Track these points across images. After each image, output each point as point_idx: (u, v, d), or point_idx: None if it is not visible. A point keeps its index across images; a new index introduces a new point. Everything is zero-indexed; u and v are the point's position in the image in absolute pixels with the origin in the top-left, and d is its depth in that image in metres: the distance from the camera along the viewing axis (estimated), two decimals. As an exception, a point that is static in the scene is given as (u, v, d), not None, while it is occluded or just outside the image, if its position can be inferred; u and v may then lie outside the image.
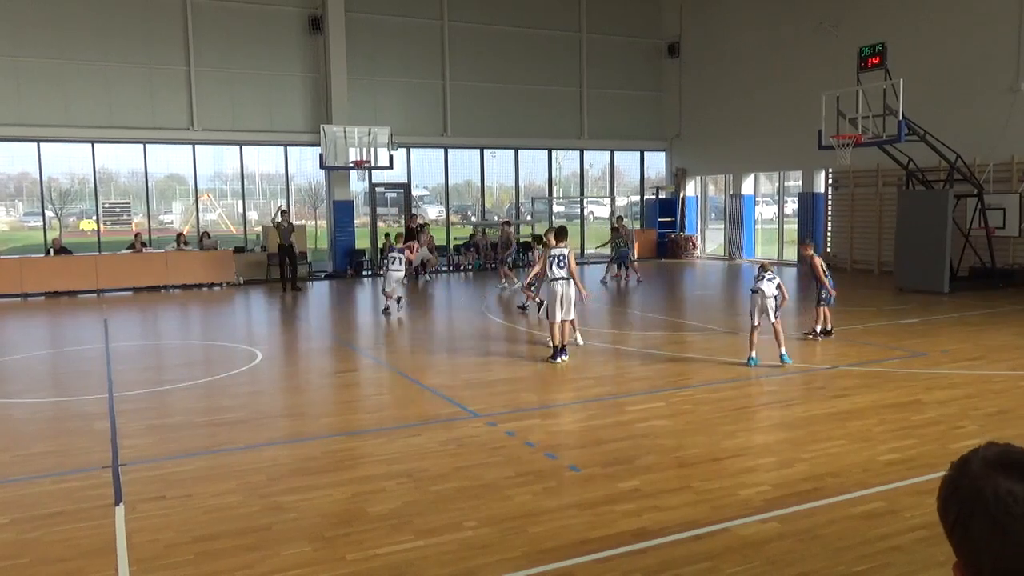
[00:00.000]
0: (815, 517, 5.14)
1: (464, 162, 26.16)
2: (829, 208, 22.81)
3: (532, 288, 14.97)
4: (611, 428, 7.39)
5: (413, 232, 22.87)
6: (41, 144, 20.71)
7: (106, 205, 23.58)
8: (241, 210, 24.35)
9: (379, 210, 25.31)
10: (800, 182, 24.08)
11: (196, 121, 21.76)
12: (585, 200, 29.26)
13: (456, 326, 14.86)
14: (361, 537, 4.94)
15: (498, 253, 24.06)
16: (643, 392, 8.78)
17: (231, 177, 25.81)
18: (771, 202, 27.79)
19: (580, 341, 11.30)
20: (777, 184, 26.05)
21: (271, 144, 23.22)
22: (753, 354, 9.87)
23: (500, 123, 25.32)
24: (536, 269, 11.12)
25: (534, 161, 27.35)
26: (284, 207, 21.54)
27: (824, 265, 11.51)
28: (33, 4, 20.01)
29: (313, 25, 22.66)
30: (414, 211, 24.70)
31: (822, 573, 4.41)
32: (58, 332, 14.85)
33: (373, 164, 22.56)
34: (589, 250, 28.00)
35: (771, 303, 9.80)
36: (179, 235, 21.62)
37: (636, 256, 20.96)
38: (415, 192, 26.15)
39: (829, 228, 22.76)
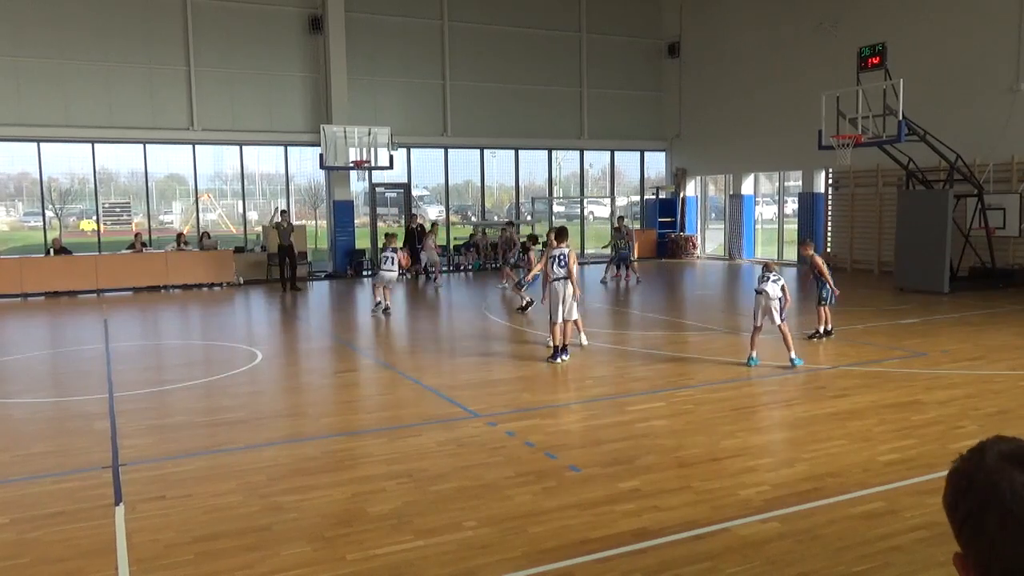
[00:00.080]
0: (815, 517, 5.14)
1: (464, 162, 26.17)
2: (829, 208, 22.81)
3: (524, 288, 15.03)
4: (611, 428, 7.39)
5: (413, 232, 22.89)
6: (41, 144, 20.71)
7: (106, 205, 23.58)
8: (241, 210, 24.35)
9: (379, 210, 25.31)
10: (800, 182, 24.08)
11: (196, 121, 21.77)
12: (585, 200, 29.27)
13: (456, 326, 14.87)
14: (361, 537, 4.94)
15: (499, 253, 24.09)
16: (643, 392, 8.78)
17: (231, 177, 25.82)
18: (771, 202, 27.79)
19: (584, 341, 11.30)
20: (777, 184, 26.05)
21: (271, 144, 23.22)
22: (753, 354, 9.87)
23: (500, 123, 25.32)
24: (537, 269, 11.11)
25: (534, 161, 27.36)
26: (283, 207, 21.54)
27: (824, 264, 11.51)
28: (33, 4, 20.01)
29: (313, 25, 22.66)
30: (414, 211, 24.70)
31: (822, 573, 4.41)
32: (58, 332, 14.85)
33: (373, 164, 22.55)
34: (589, 250, 28.03)
35: (775, 305, 9.68)
36: (179, 235, 21.62)
37: (636, 256, 20.97)
38: (415, 192, 26.16)
39: (829, 228, 22.77)
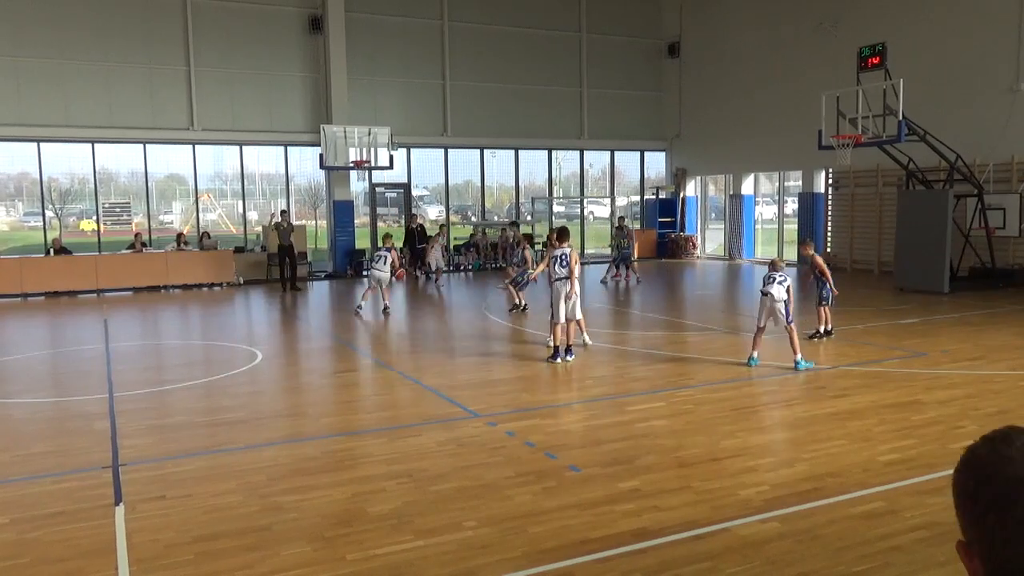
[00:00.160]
0: (815, 517, 5.14)
1: (464, 162, 26.17)
2: (829, 208, 22.81)
3: (521, 288, 15.04)
4: (611, 428, 7.39)
5: (413, 232, 22.90)
6: (41, 144, 20.71)
7: (106, 205, 23.57)
8: (241, 210, 24.35)
9: (379, 210, 25.32)
10: (800, 182, 24.08)
11: (196, 121, 21.77)
12: (585, 200, 29.26)
13: (456, 326, 14.86)
14: (361, 537, 4.94)
15: (499, 253, 24.10)
16: (643, 392, 8.78)
17: (231, 177, 25.81)
18: (771, 202, 27.79)
19: (588, 342, 11.29)
20: (777, 184, 26.05)
21: (271, 144, 23.22)
22: (755, 354, 9.84)
23: (500, 123, 25.32)
24: (540, 269, 11.07)
25: (534, 161, 27.36)
26: (283, 207, 21.52)
27: (824, 264, 11.50)
28: (33, 4, 20.01)
29: (313, 25, 22.66)
30: (414, 211, 24.70)
31: (822, 573, 4.41)
32: (58, 332, 14.84)
33: (373, 164, 22.55)
34: (589, 250, 28.02)
35: (780, 307, 9.59)
36: (179, 235, 21.62)
37: (636, 256, 20.98)
38: (415, 192, 26.16)
39: (829, 228, 22.77)
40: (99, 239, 22.13)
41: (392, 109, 23.85)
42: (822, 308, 11.40)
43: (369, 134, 22.33)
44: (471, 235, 25.73)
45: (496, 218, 28.54)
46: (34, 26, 20.05)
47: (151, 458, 6.64)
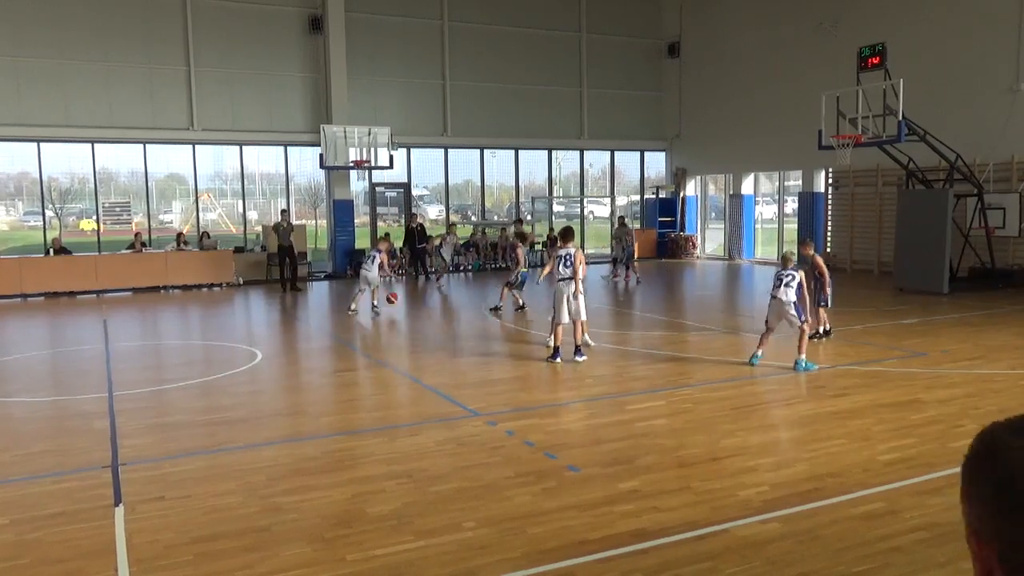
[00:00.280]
0: (815, 517, 5.14)
1: (464, 162, 26.16)
2: (829, 208, 22.80)
3: (515, 288, 15.05)
4: (611, 428, 7.39)
5: (413, 232, 22.89)
6: (41, 144, 20.70)
7: (106, 205, 23.57)
8: (241, 210, 24.35)
9: (379, 210, 25.31)
10: (800, 182, 24.08)
11: (196, 121, 21.76)
12: (585, 200, 29.26)
13: (456, 326, 14.86)
14: (361, 538, 4.94)
15: (497, 253, 24.10)
16: (643, 392, 8.78)
17: (231, 177, 25.81)
18: (771, 202, 27.78)
19: (589, 343, 11.27)
20: (777, 184, 26.04)
21: (271, 144, 23.22)
22: (759, 352, 9.77)
23: (500, 123, 25.32)
24: (547, 270, 11.01)
25: (534, 161, 27.36)
26: (283, 207, 21.50)
27: (824, 265, 11.48)
28: (33, 4, 20.01)
29: (313, 25, 22.66)
30: (414, 211, 24.70)
31: (822, 573, 4.40)
32: (58, 332, 14.84)
33: (373, 164, 22.54)
34: (590, 250, 28.01)
35: (790, 309, 9.49)
36: (179, 235, 21.61)
37: (636, 256, 20.98)
38: (415, 192, 26.15)
39: (829, 228, 22.76)
40: (99, 239, 22.12)
41: (392, 109, 23.85)
42: (820, 309, 11.39)
43: (369, 134, 22.32)
44: (471, 235, 25.72)
45: (496, 218, 28.54)
46: (34, 26, 20.04)
47: (151, 458, 6.64)
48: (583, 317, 10.38)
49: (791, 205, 25.26)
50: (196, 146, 22.28)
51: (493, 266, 24.14)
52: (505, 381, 9.56)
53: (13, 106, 19.90)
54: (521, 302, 15.17)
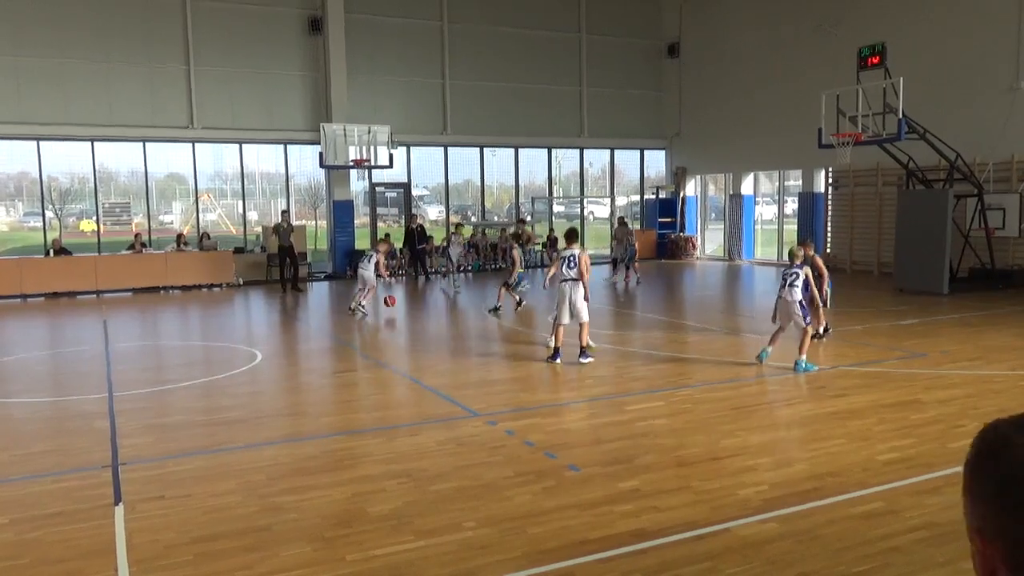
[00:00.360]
0: (815, 517, 5.14)
1: (464, 161, 26.16)
2: (829, 208, 22.80)
3: (515, 288, 15.04)
4: (611, 428, 7.39)
5: (413, 232, 22.89)
6: (41, 143, 20.70)
7: (106, 205, 23.58)
8: (241, 210, 24.35)
9: (379, 210, 25.30)
10: (800, 182, 24.08)
11: (196, 120, 21.76)
12: (585, 200, 29.26)
13: (456, 326, 14.86)
14: (361, 537, 4.94)
15: (497, 253, 24.08)
16: (643, 392, 8.78)
17: (231, 177, 25.80)
18: (771, 202, 27.79)
19: (590, 343, 11.24)
20: (777, 184, 26.05)
21: (271, 143, 23.21)
22: (768, 349, 9.72)
23: (500, 122, 25.32)
24: (552, 272, 10.95)
25: (534, 160, 27.36)
26: (283, 207, 21.49)
27: (824, 265, 11.48)
28: (33, 4, 20.00)
29: (313, 25, 22.65)
30: (414, 211, 24.70)
31: (822, 573, 4.40)
32: (58, 333, 14.85)
33: (373, 163, 22.53)
34: (589, 250, 27.99)
35: (796, 308, 9.50)
36: (179, 235, 21.61)
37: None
38: (415, 192, 26.14)
39: (829, 228, 22.76)
40: (99, 239, 22.12)
41: (392, 108, 23.84)
42: (820, 309, 11.37)
43: (369, 133, 22.32)
44: (471, 235, 25.70)
45: (496, 218, 28.53)
46: (34, 26, 20.04)
47: (151, 458, 6.64)
48: (584, 318, 10.27)
49: (791, 205, 25.26)
50: (196, 145, 22.27)
51: (493, 266, 24.13)
52: (505, 381, 9.57)
53: (13, 105, 19.89)
54: (519, 299, 15.19)
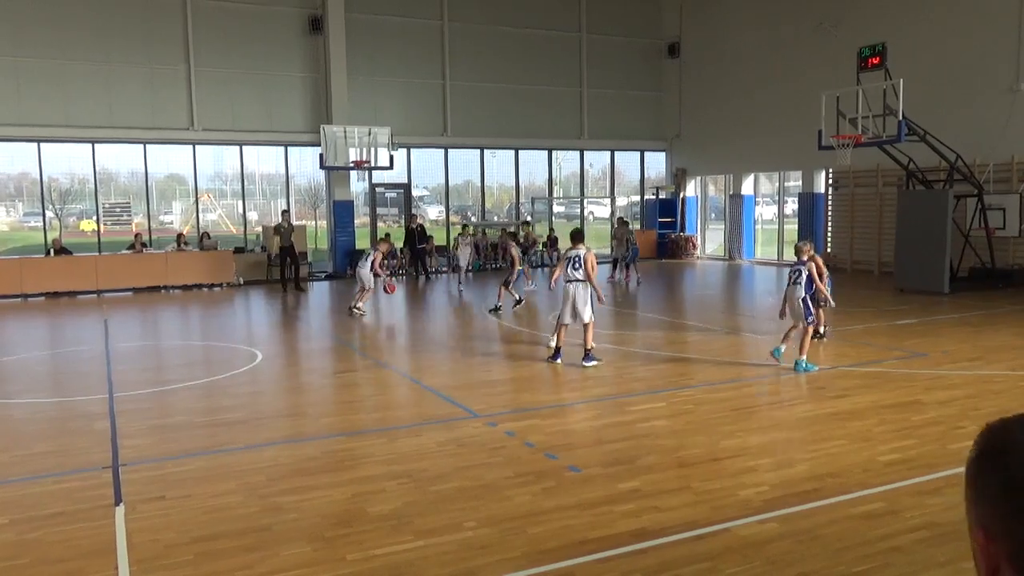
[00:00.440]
0: (815, 517, 5.14)
1: (464, 162, 26.17)
2: (829, 208, 22.80)
3: (511, 286, 15.06)
4: (611, 428, 7.39)
5: (413, 232, 22.90)
6: (41, 144, 20.71)
7: (106, 205, 23.56)
8: (241, 210, 24.35)
9: (379, 210, 25.30)
10: (800, 182, 24.09)
11: (196, 121, 21.77)
12: (585, 200, 29.26)
13: (457, 326, 14.86)
14: (361, 537, 4.94)
15: (497, 253, 24.07)
16: (643, 392, 8.78)
17: (231, 177, 25.80)
18: (771, 202, 27.80)
19: (593, 345, 11.23)
20: (777, 184, 26.05)
21: (271, 144, 23.22)
22: (782, 347, 9.68)
23: (500, 123, 25.32)
24: (557, 274, 10.90)
25: (534, 161, 27.36)
26: (284, 207, 21.48)
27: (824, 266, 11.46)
28: (33, 4, 20.01)
29: (313, 25, 22.66)
30: (414, 211, 24.70)
31: (822, 573, 4.40)
32: (58, 332, 14.85)
33: (373, 164, 22.54)
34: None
35: (799, 305, 9.50)
36: (179, 235, 21.61)
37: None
38: (415, 192, 26.15)
39: (829, 228, 22.76)
40: (99, 239, 22.12)
41: (392, 109, 23.85)
42: (820, 309, 11.35)
43: (369, 134, 22.32)
44: (472, 234, 25.69)
45: (496, 218, 28.52)
46: (34, 26, 20.04)
47: (151, 458, 6.64)
48: (587, 319, 10.12)
49: (791, 206, 25.26)
50: (196, 146, 22.28)
51: (493, 266, 24.13)
52: (505, 382, 9.57)
53: (13, 106, 19.90)
54: (518, 296, 15.19)
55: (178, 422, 7.91)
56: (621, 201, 29.21)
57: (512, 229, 21.59)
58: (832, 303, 10.51)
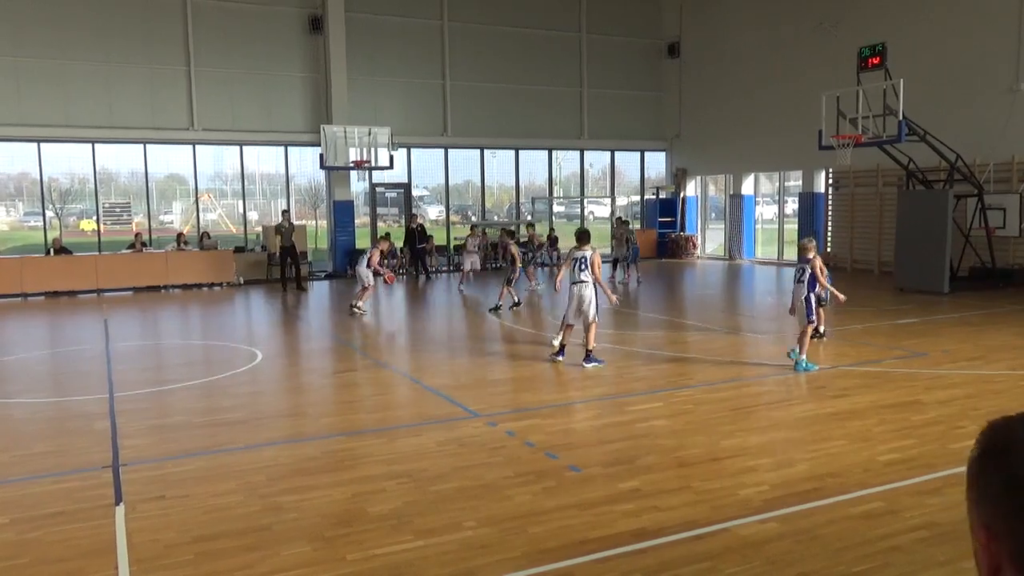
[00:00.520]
0: (815, 517, 5.14)
1: (464, 162, 26.17)
2: (829, 208, 22.81)
3: (512, 284, 15.06)
4: (611, 428, 7.39)
5: (413, 232, 22.90)
6: (41, 144, 20.72)
7: (106, 205, 23.56)
8: (241, 210, 24.35)
9: (379, 210, 25.31)
10: (800, 182, 24.09)
11: (196, 121, 21.77)
12: (585, 200, 29.26)
13: (457, 326, 14.87)
14: (361, 537, 4.94)
15: (498, 253, 24.08)
16: (643, 392, 8.78)
17: (231, 177, 25.79)
18: (771, 202, 27.79)
19: (593, 345, 11.22)
20: (777, 184, 26.05)
21: (271, 144, 23.22)
22: (797, 347, 9.66)
23: (500, 123, 25.32)
24: (560, 275, 10.87)
25: (534, 161, 27.36)
26: (284, 207, 21.47)
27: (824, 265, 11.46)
28: (33, 4, 20.01)
29: (313, 25, 22.66)
30: (414, 211, 24.70)
31: (822, 573, 4.40)
32: (58, 332, 14.85)
33: (373, 164, 22.55)
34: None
35: (801, 305, 9.49)
36: (179, 235, 21.62)
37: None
38: (415, 192, 26.15)
39: (829, 228, 22.77)
40: (99, 239, 22.13)
41: (392, 109, 23.85)
42: (820, 309, 11.35)
43: (369, 134, 22.33)
44: (470, 234, 25.68)
45: (496, 218, 28.52)
46: (34, 26, 20.05)
47: (151, 458, 6.64)
48: (590, 319, 10.06)
49: (791, 205, 25.27)
50: (196, 146, 22.29)
51: (493, 266, 24.13)
52: (505, 382, 9.57)
53: (13, 106, 19.91)
54: (516, 298, 15.19)
55: (178, 422, 7.91)
56: (621, 201, 29.22)
57: (512, 228, 21.55)
58: (841, 296, 10.45)
